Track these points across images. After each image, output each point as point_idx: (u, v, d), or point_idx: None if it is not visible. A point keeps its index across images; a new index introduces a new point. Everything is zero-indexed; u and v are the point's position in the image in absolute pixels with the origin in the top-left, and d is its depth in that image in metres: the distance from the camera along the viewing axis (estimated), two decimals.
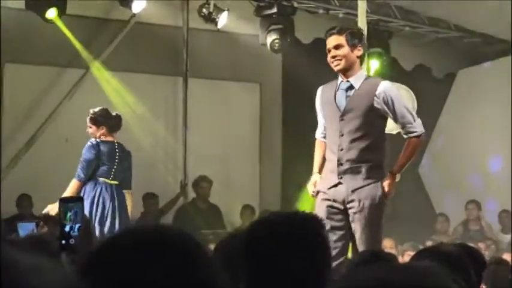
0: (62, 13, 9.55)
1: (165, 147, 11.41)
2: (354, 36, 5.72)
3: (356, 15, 8.65)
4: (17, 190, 10.07)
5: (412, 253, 3.94)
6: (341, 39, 5.68)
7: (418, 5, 11.24)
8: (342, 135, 5.61)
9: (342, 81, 5.71)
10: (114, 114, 7.94)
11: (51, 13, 9.49)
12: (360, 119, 5.58)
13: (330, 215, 5.50)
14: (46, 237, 3.77)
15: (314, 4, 11.04)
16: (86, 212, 7.40)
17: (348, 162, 5.57)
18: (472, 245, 9.98)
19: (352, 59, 5.66)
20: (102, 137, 7.74)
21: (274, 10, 10.57)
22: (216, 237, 7.31)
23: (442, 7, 10.91)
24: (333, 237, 5.28)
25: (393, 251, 8.64)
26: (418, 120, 5.77)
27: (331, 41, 5.72)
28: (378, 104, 5.57)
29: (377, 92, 5.58)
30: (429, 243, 9.02)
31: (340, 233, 5.49)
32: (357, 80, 5.66)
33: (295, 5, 10.82)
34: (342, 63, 5.65)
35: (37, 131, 10.45)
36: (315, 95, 5.96)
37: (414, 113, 5.80)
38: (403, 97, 5.80)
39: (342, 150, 5.60)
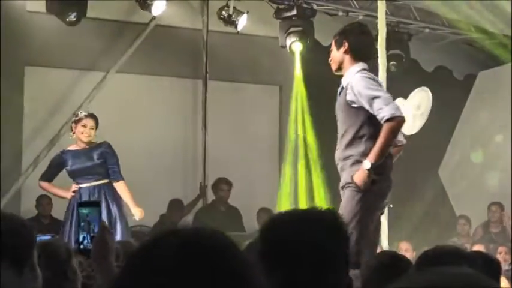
0: (82, 16, 9.59)
1: (184, 150, 11.43)
2: (339, 34, 5.64)
3: (376, 17, 8.64)
4: (37, 191, 10.13)
5: None
6: (333, 42, 5.67)
7: (438, 6, 11.20)
8: (338, 135, 5.58)
9: None
10: None
11: (72, 16, 9.54)
12: (341, 116, 5.51)
13: None
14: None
15: (333, 6, 11.03)
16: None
17: (339, 160, 5.50)
18: (493, 247, 9.94)
19: (339, 57, 5.57)
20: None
21: (294, 12, 10.56)
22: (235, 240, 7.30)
23: (461, 8, 10.87)
24: None
25: (409, 254, 8.51)
26: (391, 105, 5.35)
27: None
28: (350, 96, 5.41)
29: (347, 85, 5.46)
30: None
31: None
32: (345, 79, 5.54)
33: (315, 7, 10.81)
34: (333, 65, 5.62)
35: (57, 133, 10.50)
36: (335, 97, 5.90)
37: (384, 96, 5.36)
38: (367, 82, 5.42)
39: (337, 150, 5.54)
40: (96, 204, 2.89)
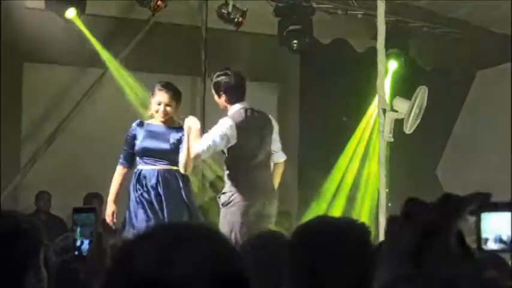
0: (81, 13, 9.59)
1: None
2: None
3: (375, 16, 8.64)
4: (36, 187, 10.14)
5: None
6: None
7: (437, 5, 11.20)
8: None
9: None
10: None
11: (71, 13, 9.53)
12: None
13: None
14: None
15: (333, 5, 11.02)
16: None
17: None
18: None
19: (220, 102, 7.38)
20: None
21: (293, 10, 10.55)
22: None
23: (461, 7, 10.87)
24: None
25: None
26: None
27: None
28: None
29: None
30: None
31: None
32: None
33: (314, 5, 10.81)
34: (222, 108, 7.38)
35: (56, 130, 10.50)
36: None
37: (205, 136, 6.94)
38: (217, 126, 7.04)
39: None
40: (92, 210, 2.84)
